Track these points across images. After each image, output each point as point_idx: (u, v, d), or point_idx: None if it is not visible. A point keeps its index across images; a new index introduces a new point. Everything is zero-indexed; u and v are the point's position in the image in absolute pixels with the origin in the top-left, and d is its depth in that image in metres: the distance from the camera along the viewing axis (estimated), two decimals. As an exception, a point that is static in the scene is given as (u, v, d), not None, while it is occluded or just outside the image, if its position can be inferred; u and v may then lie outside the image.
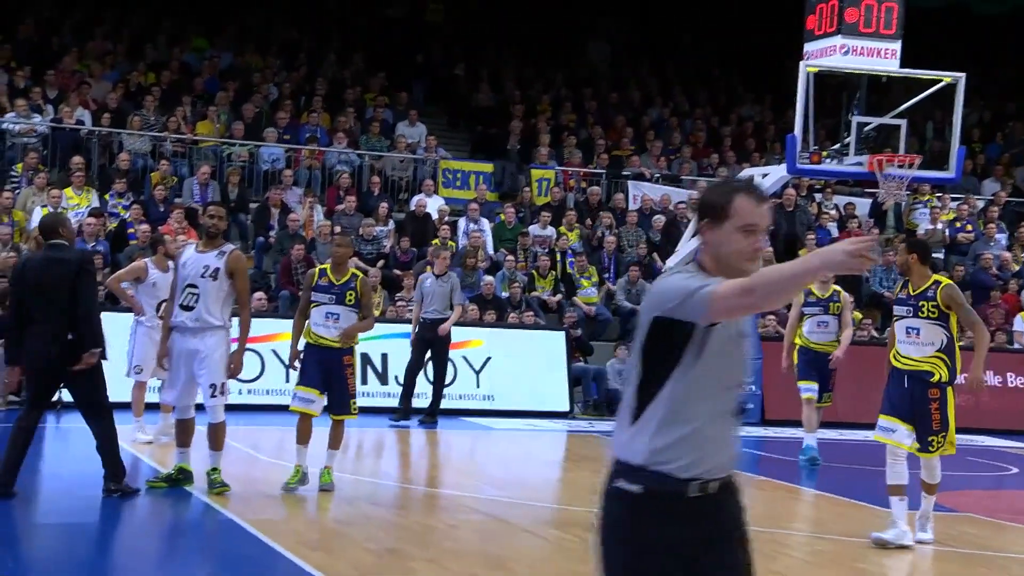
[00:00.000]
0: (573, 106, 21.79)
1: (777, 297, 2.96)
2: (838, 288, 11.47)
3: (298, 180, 17.35)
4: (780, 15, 19.00)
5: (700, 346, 3.04)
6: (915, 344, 7.35)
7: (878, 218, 19.14)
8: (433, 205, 17.28)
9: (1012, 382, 15.85)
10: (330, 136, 18.40)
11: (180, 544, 7.06)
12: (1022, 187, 21.90)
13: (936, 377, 7.29)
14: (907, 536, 7.29)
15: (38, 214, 13.95)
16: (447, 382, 13.74)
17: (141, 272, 10.22)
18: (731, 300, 2.91)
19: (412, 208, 17.27)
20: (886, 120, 13.55)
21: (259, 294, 13.89)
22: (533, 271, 16.45)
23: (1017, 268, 18.26)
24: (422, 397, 13.03)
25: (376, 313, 14.25)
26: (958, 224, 18.79)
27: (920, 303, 7.36)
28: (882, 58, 13.15)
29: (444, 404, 13.35)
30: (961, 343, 7.86)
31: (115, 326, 10.82)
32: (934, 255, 15.46)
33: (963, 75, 13.37)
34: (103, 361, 7.72)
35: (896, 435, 7.27)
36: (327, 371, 8.21)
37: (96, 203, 15.37)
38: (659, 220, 17.87)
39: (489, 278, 15.66)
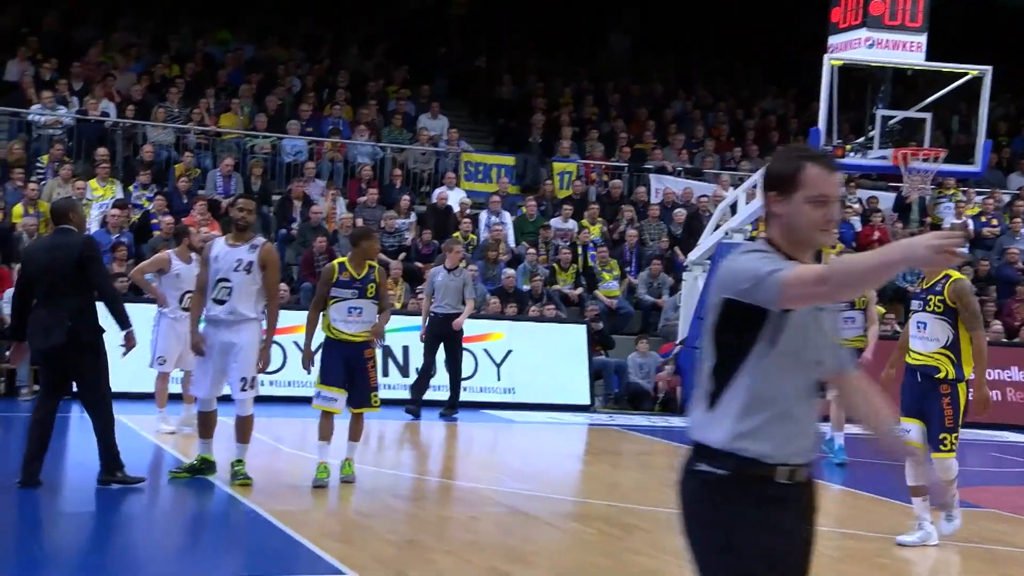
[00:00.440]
0: (595, 99, 21.74)
1: (852, 289, 2.79)
2: None
3: (320, 172, 17.39)
4: (804, 7, 18.88)
5: (777, 326, 2.91)
6: (923, 339, 7.17)
7: (902, 212, 19.02)
8: (455, 198, 17.29)
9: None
10: (352, 128, 18.45)
11: (203, 534, 7.11)
12: (1048, 181, 21.68)
13: (943, 373, 7.07)
14: (933, 537, 7.22)
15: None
16: (467, 375, 13.76)
17: (164, 264, 10.27)
18: (804, 288, 2.77)
19: (433, 201, 17.29)
20: (911, 113, 13.48)
21: (281, 286, 13.93)
22: (554, 264, 16.44)
23: (1043, 263, 18.10)
24: (441, 390, 13.04)
25: (397, 305, 14.32)
26: (983, 218, 18.64)
27: (928, 297, 7.16)
28: (907, 51, 13.07)
29: (465, 397, 13.36)
30: (986, 338, 7.73)
31: (138, 317, 10.88)
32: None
33: (989, 68, 13.27)
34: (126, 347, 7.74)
35: (911, 435, 7.18)
36: (349, 366, 8.20)
37: (120, 194, 15.47)
38: (680, 214, 17.82)
39: (510, 271, 15.66)
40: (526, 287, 15.67)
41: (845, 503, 9.36)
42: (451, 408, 12.90)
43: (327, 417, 8.24)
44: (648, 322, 16.33)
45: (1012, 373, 15.11)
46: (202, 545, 6.76)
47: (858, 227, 18.21)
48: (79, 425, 10.75)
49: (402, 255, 15.90)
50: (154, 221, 15.00)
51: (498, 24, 23.48)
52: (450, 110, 20.08)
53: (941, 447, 7.11)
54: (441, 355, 12.89)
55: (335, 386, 8.19)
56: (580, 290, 16.19)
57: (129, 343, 7.68)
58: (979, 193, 19.32)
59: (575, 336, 14.70)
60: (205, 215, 14.79)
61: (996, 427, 13.67)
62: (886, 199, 19.10)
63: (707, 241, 15.40)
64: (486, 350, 14.20)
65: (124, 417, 11.06)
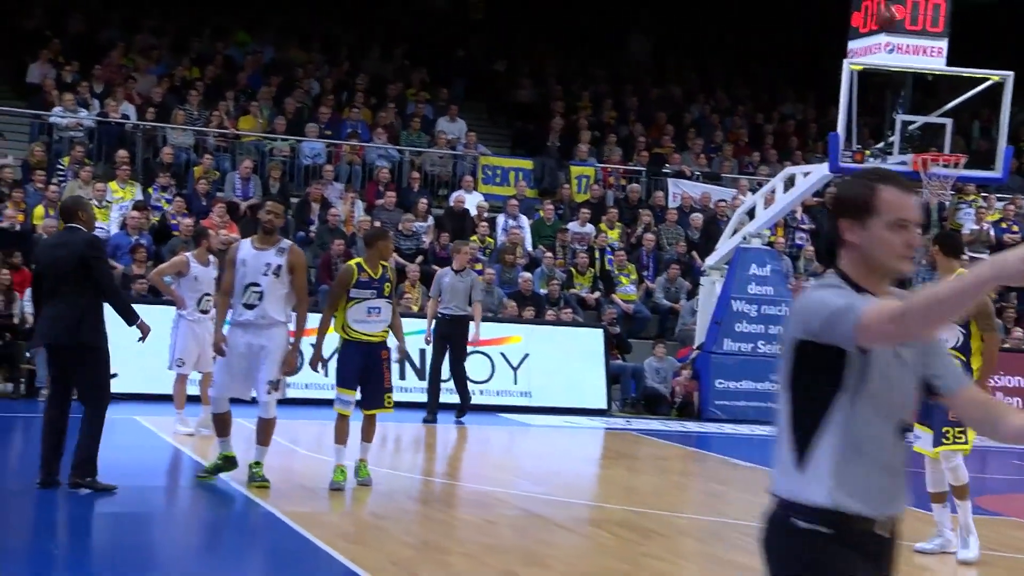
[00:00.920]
0: (614, 103, 21.73)
1: (936, 321, 2.49)
2: None
3: (339, 175, 17.44)
4: (823, 11, 18.82)
5: (861, 368, 2.67)
6: None
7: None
8: (472, 201, 17.30)
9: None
10: (371, 131, 18.49)
11: (219, 536, 7.13)
12: (1070, 187, 21.53)
13: None
14: (951, 544, 7.18)
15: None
16: (484, 378, 13.74)
17: (183, 266, 10.31)
18: (880, 327, 2.52)
19: (451, 204, 17.31)
20: (931, 119, 13.40)
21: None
22: (571, 268, 16.43)
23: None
24: (453, 392, 13.00)
25: (415, 308, 14.34)
26: (1004, 224, 18.52)
27: None
28: (928, 56, 13.00)
29: (481, 400, 13.34)
30: (1006, 344, 7.69)
31: (157, 319, 10.94)
32: (979, 255, 15.24)
33: (1011, 73, 13.18)
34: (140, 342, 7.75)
35: (922, 442, 7.13)
36: (366, 366, 8.19)
37: (140, 196, 15.55)
38: (698, 218, 17.79)
39: (527, 275, 15.66)
40: (543, 291, 15.66)
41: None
42: (462, 411, 12.84)
43: (343, 420, 8.24)
44: (665, 326, 16.29)
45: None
46: (218, 547, 6.77)
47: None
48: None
49: (419, 258, 15.92)
50: (173, 221, 15.08)
51: (517, 27, 23.50)
52: (468, 113, 20.11)
53: (944, 439, 7.05)
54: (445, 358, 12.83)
55: (352, 388, 8.21)
56: (597, 294, 16.18)
57: (144, 331, 7.68)
58: (1000, 199, 19.20)
59: (592, 340, 14.68)
60: (224, 217, 14.84)
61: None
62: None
63: (725, 246, 15.36)
64: (503, 354, 14.19)
65: (142, 418, 11.15)
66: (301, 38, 21.46)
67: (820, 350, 2.67)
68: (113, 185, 15.43)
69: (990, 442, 7.96)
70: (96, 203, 14.77)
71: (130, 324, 7.61)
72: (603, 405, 14.30)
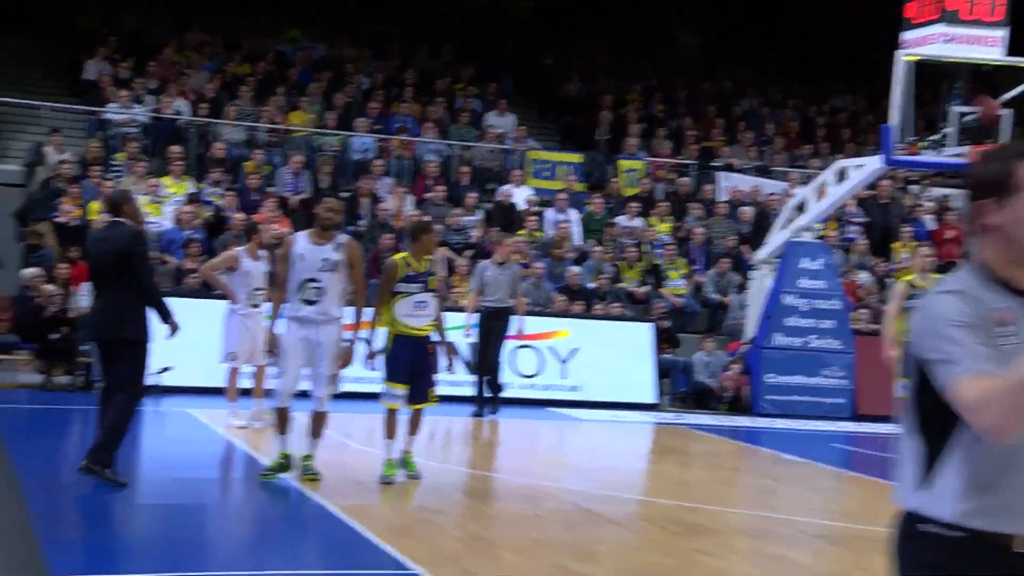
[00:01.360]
0: (663, 96, 21.60)
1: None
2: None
3: (388, 170, 17.52)
4: (874, 2, 18.56)
5: None
6: None
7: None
8: (521, 195, 17.30)
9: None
10: (420, 126, 18.55)
11: (270, 528, 7.19)
12: None
13: None
14: None
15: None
16: (532, 372, 13.72)
17: (234, 261, 10.42)
18: (978, 420, 2.36)
19: (499, 198, 17.32)
20: (988, 110, 13.13)
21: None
22: (620, 262, 16.38)
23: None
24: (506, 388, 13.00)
25: (464, 302, 14.36)
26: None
27: None
28: (986, 46, 12.77)
29: (530, 394, 13.32)
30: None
31: (209, 313, 11.10)
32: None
33: (1070, 63, 12.90)
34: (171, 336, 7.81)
35: None
36: (415, 361, 8.21)
37: (193, 191, 15.74)
38: (748, 212, 17.64)
39: (576, 269, 15.63)
40: (592, 285, 15.63)
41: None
42: (494, 405, 12.77)
43: (392, 415, 8.27)
44: (714, 321, 16.19)
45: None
46: (270, 539, 6.84)
47: (931, 226, 17.87)
48: (149, 418, 10.97)
49: (468, 252, 15.95)
50: (226, 216, 15.24)
51: (566, 21, 23.46)
52: (517, 107, 20.11)
53: None
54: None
55: (402, 383, 8.24)
56: (646, 288, 16.11)
57: (174, 329, 7.70)
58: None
59: (641, 334, 14.63)
60: (275, 212, 14.98)
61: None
62: (961, 199, 18.70)
63: (775, 240, 15.22)
64: (551, 348, 14.19)
65: (195, 411, 11.30)
66: (351, 34, 21.59)
67: None
68: (166, 180, 15.64)
69: None
70: (150, 198, 15.00)
71: (164, 322, 7.64)
72: (652, 399, 14.25)
